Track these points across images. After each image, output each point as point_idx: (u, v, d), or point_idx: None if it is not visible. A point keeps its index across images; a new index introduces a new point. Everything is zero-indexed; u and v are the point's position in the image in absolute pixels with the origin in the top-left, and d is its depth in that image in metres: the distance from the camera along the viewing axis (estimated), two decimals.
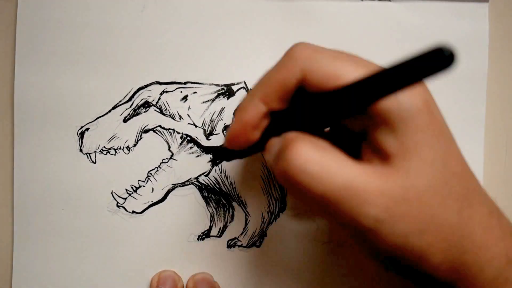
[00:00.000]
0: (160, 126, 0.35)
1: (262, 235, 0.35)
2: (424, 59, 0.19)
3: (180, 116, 0.35)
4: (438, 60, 0.18)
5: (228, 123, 0.35)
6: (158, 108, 0.35)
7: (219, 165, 0.35)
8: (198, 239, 0.35)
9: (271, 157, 0.24)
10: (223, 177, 0.35)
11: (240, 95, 0.35)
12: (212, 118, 0.35)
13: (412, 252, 0.22)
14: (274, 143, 0.24)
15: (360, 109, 0.22)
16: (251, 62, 0.35)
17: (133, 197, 0.35)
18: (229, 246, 0.35)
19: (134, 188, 0.35)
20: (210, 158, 0.35)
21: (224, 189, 0.35)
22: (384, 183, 0.21)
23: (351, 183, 0.21)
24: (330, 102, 0.23)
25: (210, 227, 0.35)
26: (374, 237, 0.22)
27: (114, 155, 0.35)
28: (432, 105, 0.23)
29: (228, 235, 0.35)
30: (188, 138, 0.35)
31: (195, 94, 0.35)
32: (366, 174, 0.22)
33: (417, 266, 0.23)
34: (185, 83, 0.35)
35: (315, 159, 0.21)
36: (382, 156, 0.22)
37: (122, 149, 0.35)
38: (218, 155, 0.34)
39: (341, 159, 0.22)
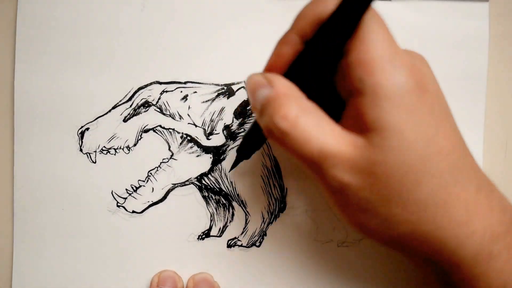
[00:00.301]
0: (160, 125, 0.35)
1: (262, 234, 0.35)
2: None
3: (180, 115, 0.35)
4: None
5: (228, 122, 0.35)
6: (158, 107, 0.35)
7: (219, 165, 0.35)
8: (198, 239, 0.35)
9: (256, 103, 0.24)
10: (223, 176, 0.35)
11: (240, 94, 0.35)
12: (212, 118, 0.35)
13: (377, 217, 0.23)
14: (259, 83, 0.24)
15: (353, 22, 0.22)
16: (251, 62, 0.35)
17: (133, 197, 0.35)
18: (229, 246, 0.35)
19: (134, 188, 0.35)
20: (211, 157, 0.35)
21: (224, 189, 0.35)
22: (355, 153, 0.22)
23: (326, 148, 0.22)
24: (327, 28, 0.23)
25: (210, 227, 0.35)
26: (342, 197, 0.23)
27: (114, 154, 0.35)
28: (428, 84, 0.23)
29: (228, 235, 0.35)
30: (188, 137, 0.35)
31: (195, 93, 0.35)
32: (341, 142, 0.23)
33: (385, 232, 0.24)
34: (185, 82, 0.35)
35: (299, 124, 0.22)
36: (361, 126, 0.23)
37: (122, 149, 0.35)
38: (239, 155, 0.33)
39: (323, 123, 0.23)
